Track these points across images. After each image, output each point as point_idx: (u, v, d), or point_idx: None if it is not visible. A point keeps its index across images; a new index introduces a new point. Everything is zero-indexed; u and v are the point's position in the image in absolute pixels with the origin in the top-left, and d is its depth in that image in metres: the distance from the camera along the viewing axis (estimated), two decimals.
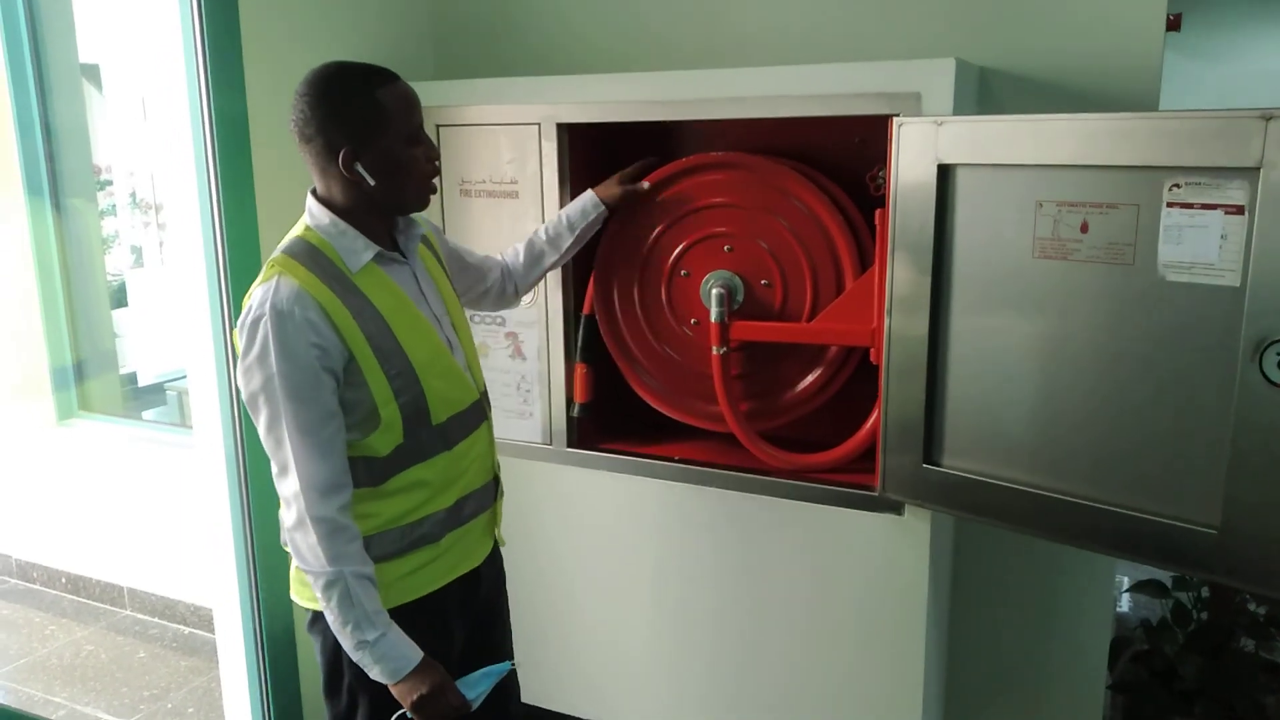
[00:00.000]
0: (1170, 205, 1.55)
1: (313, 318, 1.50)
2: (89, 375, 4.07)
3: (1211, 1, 4.99)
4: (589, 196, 2.15)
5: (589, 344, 2.32)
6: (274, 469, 1.55)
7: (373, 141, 1.55)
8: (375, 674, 1.55)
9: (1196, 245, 1.54)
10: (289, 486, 1.52)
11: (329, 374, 1.52)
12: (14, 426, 4.03)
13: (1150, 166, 1.56)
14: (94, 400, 4.07)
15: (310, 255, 1.57)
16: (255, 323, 1.50)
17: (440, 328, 1.71)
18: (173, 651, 3.53)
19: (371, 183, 1.57)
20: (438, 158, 1.66)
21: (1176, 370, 1.59)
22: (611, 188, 2.17)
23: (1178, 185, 1.54)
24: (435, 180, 1.67)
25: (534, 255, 2.10)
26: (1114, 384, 1.67)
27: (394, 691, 1.56)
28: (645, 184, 2.19)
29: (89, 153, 4.07)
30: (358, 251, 1.59)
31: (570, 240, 2.12)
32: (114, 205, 4.23)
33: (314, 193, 1.63)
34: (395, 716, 1.58)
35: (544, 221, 2.18)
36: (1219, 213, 1.51)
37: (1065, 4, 2.09)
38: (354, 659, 1.56)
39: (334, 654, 1.64)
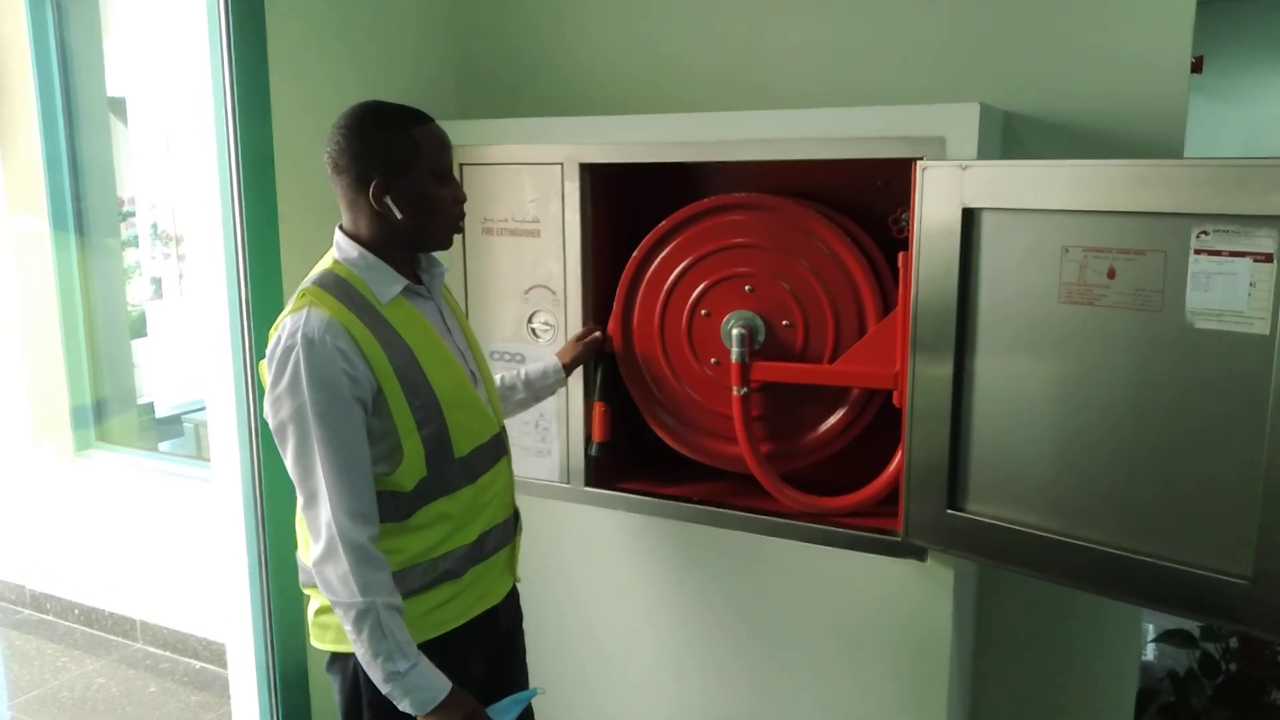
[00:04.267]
0: (1198, 252, 1.54)
1: (344, 346, 1.51)
2: (107, 407, 4.09)
3: (1233, 43, 5.00)
4: (552, 361, 2.14)
5: (608, 382, 2.31)
6: (300, 500, 1.54)
7: (404, 175, 1.58)
8: (405, 706, 1.52)
9: (1225, 292, 1.52)
10: (320, 515, 1.51)
11: (359, 403, 1.53)
12: (32, 457, 4.04)
13: (1177, 213, 1.55)
14: (112, 431, 4.08)
15: (340, 287, 1.58)
16: (287, 351, 1.51)
17: (465, 361, 1.73)
18: (184, 686, 3.51)
19: (399, 216, 1.59)
20: (464, 200, 1.69)
21: (1205, 418, 1.57)
22: (569, 350, 2.19)
23: (1205, 232, 1.53)
24: (461, 221, 1.69)
25: None
26: (1141, 431, 1.65)
27: None
28: (597, 333, 2.26)
29: (114, 186, 4.12)
30: (387, 284, 1.61)
31: (523, 395, 2.07)
32: (135, 236, 4.27)
33: (342, 227, 1.65)
34: None
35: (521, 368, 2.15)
36: (1247, 260, 1.50)
37: (1089, 48, 2.09)
38: (384, 691, 1.52)
39: (353, 695, 1.63)
